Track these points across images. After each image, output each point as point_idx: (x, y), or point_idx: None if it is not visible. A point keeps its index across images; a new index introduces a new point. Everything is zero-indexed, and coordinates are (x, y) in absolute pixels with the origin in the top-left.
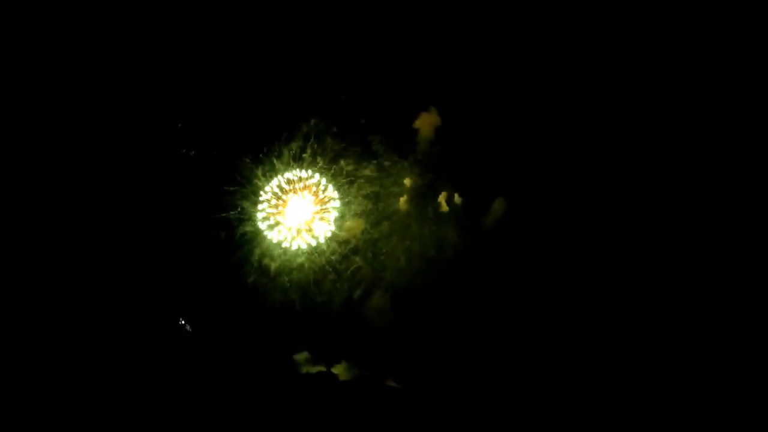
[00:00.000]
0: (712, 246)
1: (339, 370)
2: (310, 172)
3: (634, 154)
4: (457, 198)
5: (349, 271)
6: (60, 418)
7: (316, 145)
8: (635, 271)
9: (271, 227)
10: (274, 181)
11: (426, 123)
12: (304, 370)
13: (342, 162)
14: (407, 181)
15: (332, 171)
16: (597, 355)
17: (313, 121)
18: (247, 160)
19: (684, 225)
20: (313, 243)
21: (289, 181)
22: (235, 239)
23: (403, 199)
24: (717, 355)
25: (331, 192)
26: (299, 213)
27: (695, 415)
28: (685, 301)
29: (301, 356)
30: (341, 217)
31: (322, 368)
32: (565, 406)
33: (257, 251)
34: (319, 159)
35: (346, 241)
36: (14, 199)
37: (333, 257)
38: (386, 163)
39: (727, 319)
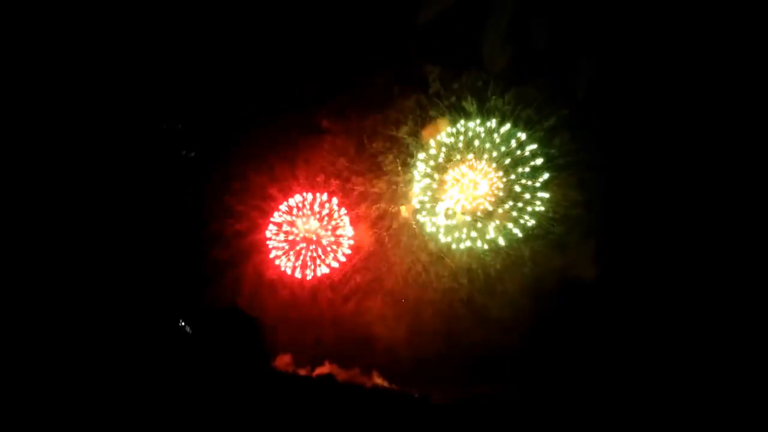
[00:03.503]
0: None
1: (325, 370)
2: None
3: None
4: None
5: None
6: (60, 418)
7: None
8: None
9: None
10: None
11: (432, 133)
12: (289, 371)
13: (354, 179)
14: (411, 194)
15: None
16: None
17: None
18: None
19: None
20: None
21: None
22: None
23: (404, 207)
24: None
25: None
26: (309, 230)
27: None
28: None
29: (283, 359)
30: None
31: (306, 371)
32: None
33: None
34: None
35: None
36: (13, 198)
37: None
38: (396, 179)
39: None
